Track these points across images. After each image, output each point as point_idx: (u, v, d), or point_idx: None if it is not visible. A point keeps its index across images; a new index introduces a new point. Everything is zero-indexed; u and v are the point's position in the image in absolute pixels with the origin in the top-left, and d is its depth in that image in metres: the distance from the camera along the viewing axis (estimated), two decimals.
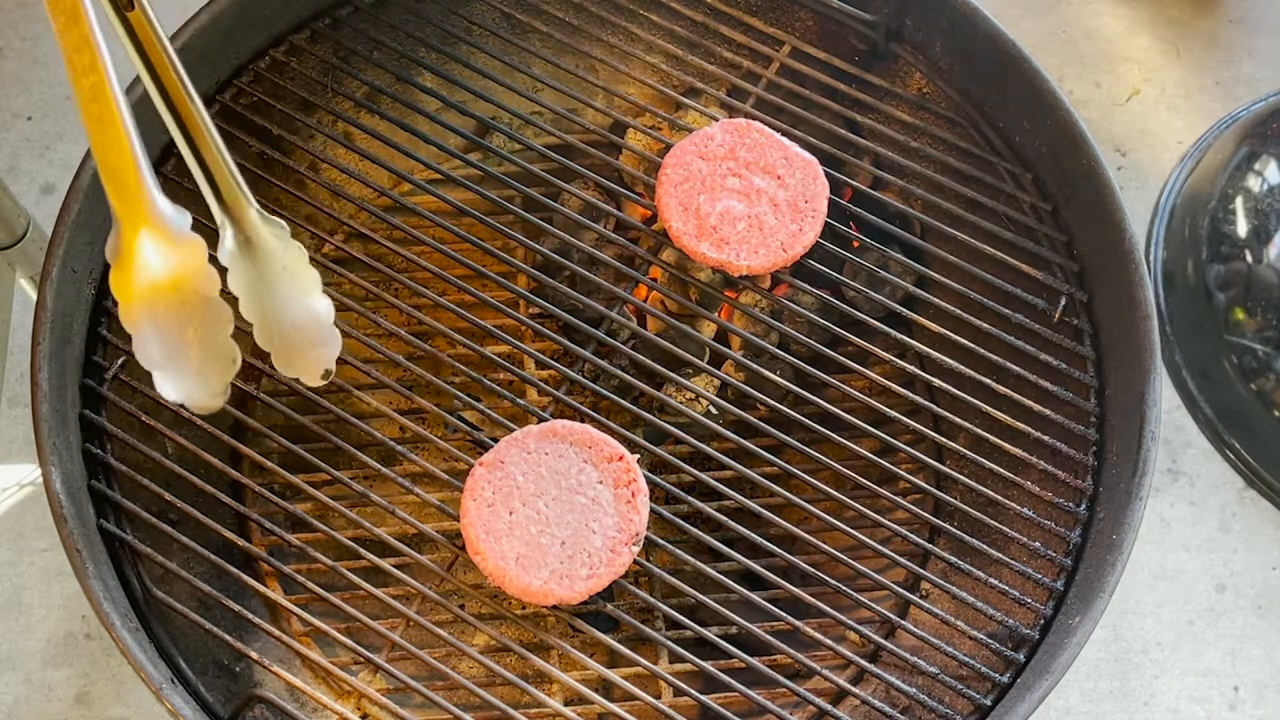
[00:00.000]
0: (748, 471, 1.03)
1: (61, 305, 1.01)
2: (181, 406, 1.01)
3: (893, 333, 1.10)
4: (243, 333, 0.78)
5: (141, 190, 0.72)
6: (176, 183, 1.05)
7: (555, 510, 0.96)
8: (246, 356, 0.90)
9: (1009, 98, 1.16)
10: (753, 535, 1.01)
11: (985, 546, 1.02)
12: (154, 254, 0.73)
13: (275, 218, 0.81)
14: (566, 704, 0.97)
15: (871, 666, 0.99)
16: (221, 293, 0.76)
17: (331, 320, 0.84)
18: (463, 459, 1.02)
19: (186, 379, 0.76)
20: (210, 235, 0.76)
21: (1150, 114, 1.70)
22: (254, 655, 0.96)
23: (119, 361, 1.04)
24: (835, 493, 1.03)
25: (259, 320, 0.82)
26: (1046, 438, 1.05)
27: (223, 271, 0.78)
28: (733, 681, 0.96)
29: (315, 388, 1.05)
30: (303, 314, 0.83)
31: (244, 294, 0.81)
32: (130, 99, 0.71)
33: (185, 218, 0.73)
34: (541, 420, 1.02)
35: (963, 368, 1.08)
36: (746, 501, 1.02)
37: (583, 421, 1.01)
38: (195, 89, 0.76)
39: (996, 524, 1.03)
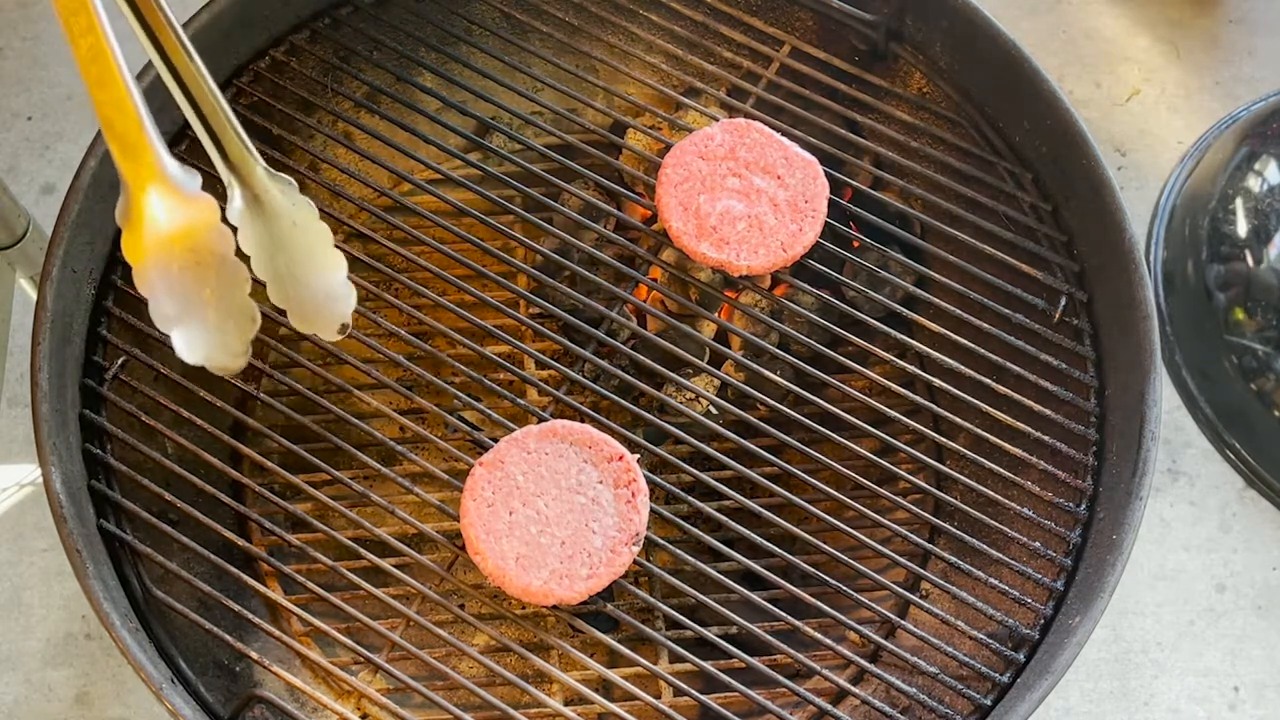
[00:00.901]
0: (748, 471, 1.03)
1: (61, 305, 1.01)
2: (182, 406, 1.03)
3: (893, 333, 1.10)
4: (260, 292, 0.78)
5: (147, 149, 0.70)
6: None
7: (555, 510, 0.96)
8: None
9: (1009, 98, 1.16)
10: (753, 535, 1.01)
11: (985, 546, 1.02)
12: (162, 211, 0.71)
13: (282, 174, 0.80)
14: (566, 704, 0.97)
15: (871, 666, 0.99)
16: (235, 254, 0.75)
17: (345, 274, 0.83)
18: (463, 459, 1.02)
19: (206, 338, 0.75)
20: (220, 199, 0.75)
21: (1150, 114, 1.70)
22: (254, 655, 0.96)
23: (119, 361, 1.04)
24: (835, 493, 1.03)
25: (272, 278, 0.81)
26: (1046, 438, 1.05)
27: (233, 231, 0.77)
28: (733, 681, 0.96)
29: (315, 388, 1.06)
30: (316, 269, 0.82)
31: (255, 252, 0.80)
32: (136, 74, 0.71)
33: (195, 178, 0.72)
34: (541, 420, 1.02)
35: (963, 368, 1.08)
36: (746, 501, 1.02)
37: (583, 421, 1.01)
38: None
39: (996, 524, 1.03)
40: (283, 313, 0.83)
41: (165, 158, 0.71)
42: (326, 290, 0.83)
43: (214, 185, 0.75)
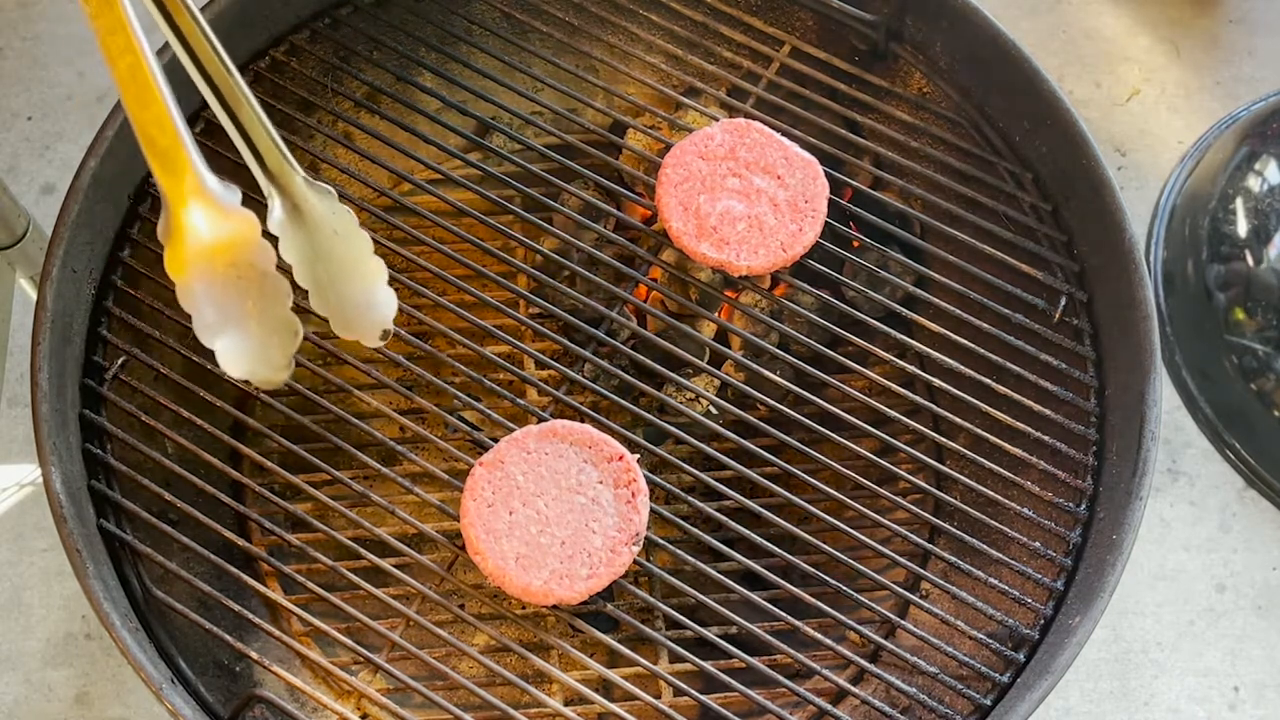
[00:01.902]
0: (748, 471, 1.03)
1: (61, 305, 1.01)
2: (182, 406, 1.03)
3: (893, 333, 1.10)
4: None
5: (188, 166, 0.71)
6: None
7: (555, 510, 0.96)
8: None
9: (1009, 98, 1.16)
10: (753, 535, 1.01)
11: (985, 546, 1.02)
12: (204, 227, 0.72)
13: (321, 183, 0.80)
14: (566, 704, 0.97)
15: (871, 666, 0.99)
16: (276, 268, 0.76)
17: (385, 280, 0.83)
18: (463, 459, 1.02)
19: (249, 352, 0.76)
20: (260, 211, 0.76)
21: (1150, 114, 1.70)
22: (254, 655, 0.96)
23: (119, 361, 1.04)
24: (835, 493, 1.03)
25: (314, 286, 0.82)
26: (1046, 438, 1.05)
27: (274, 241, 0.77)
28: (733, 681, 0.96)
29: (315, 388, 1.06)
30: (357, 277, 0.83)
31: (297, 261, 0.81)
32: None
33: (235, 193, 0.73)
34: (541, 420, 1.02)
35: (963, 368, 1.08)
36: (746, 501, 1.02)
37: (583, 421, 1.01)
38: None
39: (996, 524, 1.03)
40: (325, 320, 0.84)
41: (206, 174, 0.72)
42: (368, 298, 0.84)
43: (252, 197, 0.76)
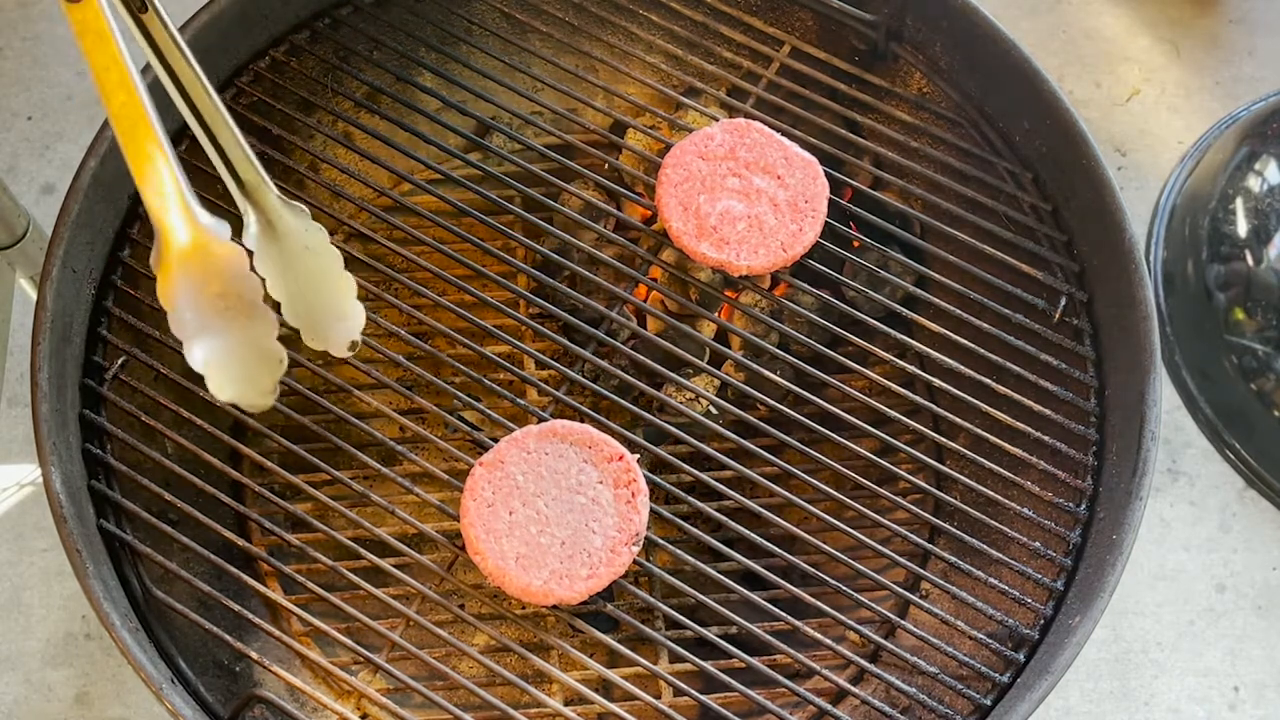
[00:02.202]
0: (748, 471, 1.03)
1: (61, 305, 1.01)
2: (182, 406, 1.03)
3: (893, 333, 1.10)
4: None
5: (179, 198, 0.74)
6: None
7: (555, 510, 0.96)
8: None
9: (1009, 98, 1.16)
10: (753, 535, 1.01)
11: (985, 546, 1.02)
12: (193, 257, 0.76)
13: (296, 202, 0.83)
14: (566, 704, 0.97)
15: (871, 666, 0.99)
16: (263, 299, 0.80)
17: (354, 294, 0.87)
18: (463, 459, 1.02)
19: (237, 379, 0.80)
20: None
21: (1150, 114, 1.70)
22: (254, 655, 0.96)
23: (119, 361, 1.04)
24: (835, 493, 1.03)
25: (286, 298, 0.86)
26: (1046, 438, 1.05)
27: (249, 255, 0.80)
28: (733, 681, 0.96)
29: (315, 388, 1.06)
30: (327, 290, 0.87)
31: (270, 274, 0.84)
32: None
33: (225, 226, 0.76)
34: (541, 420, 1.02)
35: (963, 368, 1.08)
36: (746, 501, 1.02)
37: (583, 421, 1.01)
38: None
39: (996, 524, 1.03)
40: (296, 331, 0.86)
41: (196, 207, 0.76)
42: (337, 311, 0.88)
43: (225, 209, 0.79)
